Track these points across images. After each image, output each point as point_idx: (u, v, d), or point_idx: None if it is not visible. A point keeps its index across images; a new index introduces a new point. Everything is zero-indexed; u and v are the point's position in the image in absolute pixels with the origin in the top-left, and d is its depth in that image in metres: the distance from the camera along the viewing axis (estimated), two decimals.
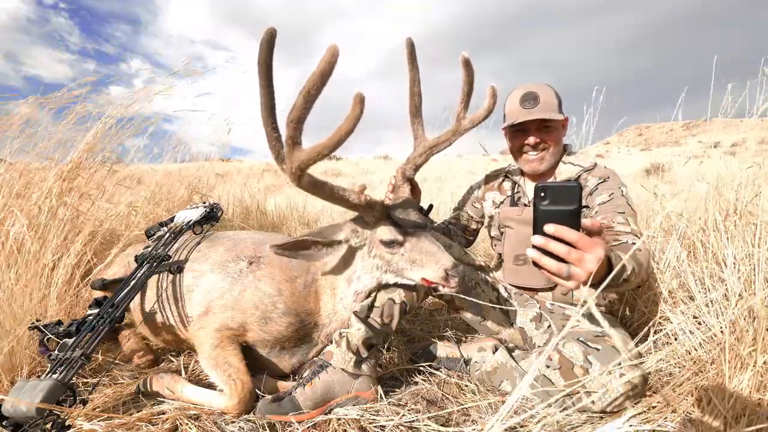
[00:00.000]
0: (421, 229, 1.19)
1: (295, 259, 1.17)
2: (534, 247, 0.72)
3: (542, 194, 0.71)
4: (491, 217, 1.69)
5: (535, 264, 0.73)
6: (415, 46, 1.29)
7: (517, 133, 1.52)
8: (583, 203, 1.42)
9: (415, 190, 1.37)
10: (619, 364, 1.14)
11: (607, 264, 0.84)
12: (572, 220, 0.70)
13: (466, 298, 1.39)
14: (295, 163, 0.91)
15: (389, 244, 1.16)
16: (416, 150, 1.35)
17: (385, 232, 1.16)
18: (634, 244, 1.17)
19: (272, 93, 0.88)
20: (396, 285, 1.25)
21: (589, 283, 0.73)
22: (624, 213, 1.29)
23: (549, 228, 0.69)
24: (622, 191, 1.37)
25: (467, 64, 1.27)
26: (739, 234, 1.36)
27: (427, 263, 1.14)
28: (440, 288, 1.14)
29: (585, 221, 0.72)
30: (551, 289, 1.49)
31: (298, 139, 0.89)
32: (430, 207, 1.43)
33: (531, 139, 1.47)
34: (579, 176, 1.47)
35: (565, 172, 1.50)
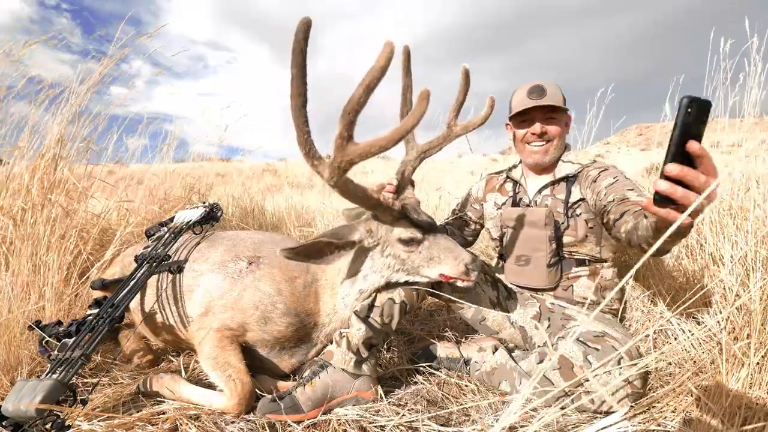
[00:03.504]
0: (435, 228, 1.22)
1: (306, 262, 1.14)
2: (665, 177, 0.62)
3: (689, 110, 0.61)
4: (492, 218, 1.70)
5: (659, 200, 0.64)
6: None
7: (523, 123, 1.55)
8: (586, 193, 1.44)
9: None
10: (619, 363, 1.14)
11: None
12: (700, 140, 0.61)
13: (458, 301, 1.40)
14: (347, 157, 0.88)
15: (408, 242, 1.18)
16: (409, 154, 1.38)
17: (404, 230, 1.18)
18: None
19: (305, 85, 0.83)
20: (406, 283, 1.26)
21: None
22: (634, 189, 1.29)
23: (694, 145, 0.60)
24: (624, 176, 1.39)
25: (466, 76, 1.30)
26: (733, 232, 1.36)
27: (446, 259, 1.17)
28: (459, 282, 1.18)
29: (690, 144, 0.62)
30: (553, 289, 1.49)
31: (352, 132, 0.87)
32: (417, 204, 1.45)
33: (536, 127, 1.50)
34: (579, 172, 1.48)
35: (564, 169, 1.51)
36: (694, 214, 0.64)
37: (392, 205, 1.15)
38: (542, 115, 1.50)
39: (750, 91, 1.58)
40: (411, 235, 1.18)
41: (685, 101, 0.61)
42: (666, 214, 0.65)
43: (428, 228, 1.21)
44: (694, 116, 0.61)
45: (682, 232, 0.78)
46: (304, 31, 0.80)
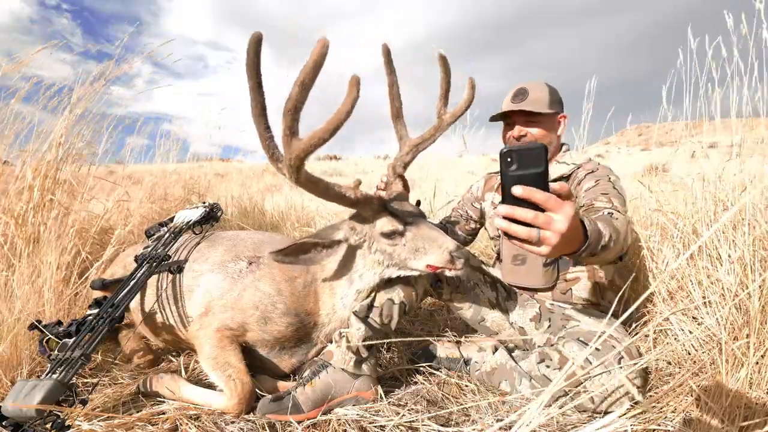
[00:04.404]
0: (419, 218, 1.21)
1: (295, 264, 1.16)
2: (503, 217, 0.70)
3: (508, 159, 0.69)
4: (490, 218, 1.70)
5: (505, 234, 0.71)
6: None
7: (507, 126, 1.59)
8: (573, 193, 1.44)
9: (405, 186, 1.38)
10: (619, 363, 1.14)
11: (582, 230, 0.84)
12: (540, 182, 0.68)
13: (455, 303, 1.42)
14: (293, 153, 0.90)
15: (390, 235, 1.17)
16: (402, 150, 1.37)
17: (385, 223, 1.17)
18: (611, 214, 1.17)
19: (262, 94, 0.88)
20: (399, 278, 1.25)
21: (560, 247, 0.71)
22: (608, 194, 1.29)
23: (517, 189, 0.67)
24: (609, 178, 1.39)
25: (444, 61, 1.30)
26: (731, 232, 1.36)
27: (430, 249, 1.15)
28: (446, 272, 1.15)
29: (553, 185, 0.70)
30: (550, 289, 1.49)
31: (296, 129, 0.89)
32: (418, 203, 1.44)
33: (515, 130, 1.52)
34: (571, 173, 1.49)
35: (558, 170, 1.52)
36: (539, 243, 0.70)
37: (370, 200, 1.14)
38: (523, 119, 1.51)
39: (743, 91, 1.58)
40: (392, 228, 1.16)
41: (502, 151, 0.70)
42: (520, 245, 0.72)
43: (410, 219, 1.19)
44: (519, 163, 0.69)
45: (594, 253, 0.90)
46: (255, 46, 0.84)
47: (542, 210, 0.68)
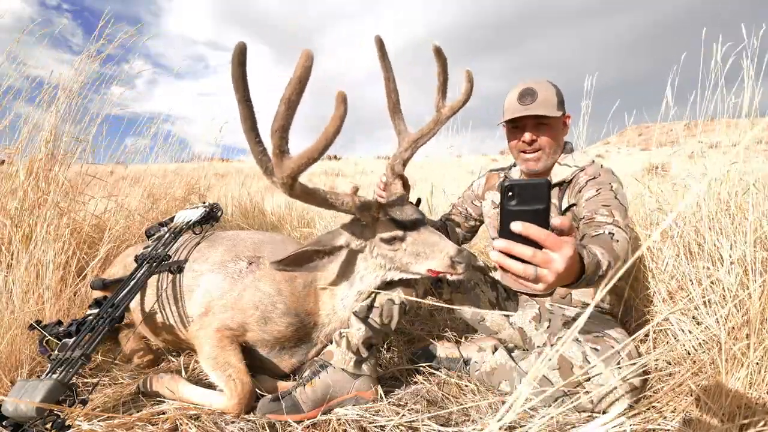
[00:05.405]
0: (420, 222, 1.19)
1: (298, 272, 1.15)
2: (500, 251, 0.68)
3: (510, 193, 0.67)
4: (490, 218, 1.69)
5: (500, 267, 0.69)
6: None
7: (514, 130, 1.51)
8: (572, 201, 1.41)
9: (405, 185, 1.36)
10: (618, 363, 1.15)
11: (580, 261, 0.83)
12: (540, 219, 0.67)
13: (455, 307, 1.42)
14: (285, 172, 0.90)
15: (390, 241, 1.16)
16: (401, 146, 1.34)
17: (385, 229, 1.16)
18: (612, 234, 1.14)
19: (251, 108, 0.86)
20: (400, 280, 1.25)
21: (556, 283, 0.70)
22: (609, 206, 1.26)
23: (516, 226, 0.65)
24: (611, 186, 1.34)
25: (439, 53, 1.26)
26: (732, 232, 1.36)
27: (431, 254, 1.14)
28: (448, 276, 1.14)
29: (554, 220, 0.69)
30: (549, 295, 1.48)
31: (285, 147, 0.88)
32: (419, 201, 1.42)
33: (526, 136, 1.45)
34: (574, 176, 1.46)
35: (560, 173, 1.48)
36: (535, 281, 0.69)
37: (368, 206, 1.13)
38: (533, 121, 1.44)
39: (746, 92, 1.58)
40: (392, 234, 1.16)
41: (503, 185, 0.68)
42: (515, 280, 0.71)
43: (410, 224, 1.18)
44: (520, 198, 0.67)
45: (594, 281, 0.93)
46: (240, 56, 0.80)
47: (540, 246, 0.67)
